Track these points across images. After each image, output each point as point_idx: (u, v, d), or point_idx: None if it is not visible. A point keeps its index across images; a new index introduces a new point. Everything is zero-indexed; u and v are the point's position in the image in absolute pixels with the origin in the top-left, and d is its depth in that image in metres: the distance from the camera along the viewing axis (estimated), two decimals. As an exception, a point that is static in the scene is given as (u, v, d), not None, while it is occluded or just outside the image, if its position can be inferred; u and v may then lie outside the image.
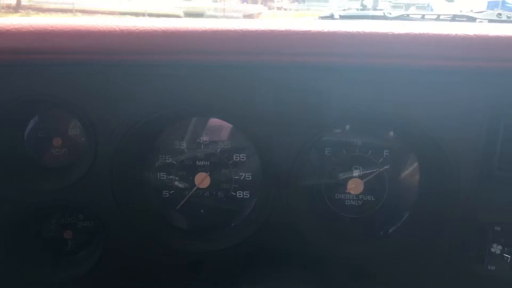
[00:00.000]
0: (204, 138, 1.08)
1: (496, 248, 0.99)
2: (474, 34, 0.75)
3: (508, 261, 0.98)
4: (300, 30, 0.78)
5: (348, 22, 0.84)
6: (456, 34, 0.75)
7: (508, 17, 1.27)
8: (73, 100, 0.92)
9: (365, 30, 0.80)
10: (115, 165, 0.96)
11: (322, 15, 1.45)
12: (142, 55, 0.81)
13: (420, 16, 1.35)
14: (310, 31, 0.78)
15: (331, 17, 1.35)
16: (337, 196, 1.09)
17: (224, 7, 17.95)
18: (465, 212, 0.95)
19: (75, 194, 0.99)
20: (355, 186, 1.07)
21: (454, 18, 1.29)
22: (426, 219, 1.01)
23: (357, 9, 1.96)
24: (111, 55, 0.82)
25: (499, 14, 1.26)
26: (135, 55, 0.81)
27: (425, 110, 0.89)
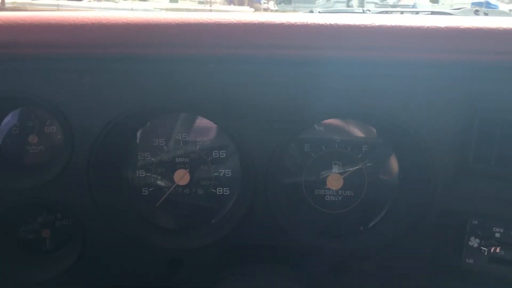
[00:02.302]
0: (183, 135, 1.07)
1: (474, 242, 1.00)
2: (445, 26, 0.75)
3: (486, 254, 0.99)
4: (275, 22, 0.78)
5: (327, 15, 0.84)
6: (428, 26, 0.76)
7: (485, 13, 1.28)
8: (48, 97, 0.91)
9: (340, 22, 0.80)
10: (92, 162, 0.95)
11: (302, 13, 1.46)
12: (114, 49, 0.80)
13: (400, 12, 1.35)
14: (284, 23, 0.77)
15: (311, 13, 1.35)
16: (317, 192, 1.09)
17: (210, 8, 17.92)
18: (442, 206, 0.96)
19: (52, 192, 0.98)
20: (334, 182, 1.07)
21: (432, 14, 1.30)
22: (405, 213, 1.01)
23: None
24: (83, 49, 0.80)
25: (477, 11, 1.27)
26: (107, 49, 0.80)
27: (401, 105, 0.90)
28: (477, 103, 0.90)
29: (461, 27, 0.76)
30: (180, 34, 0.78)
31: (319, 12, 1.31)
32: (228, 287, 0.97)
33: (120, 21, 0.77)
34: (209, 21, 0.78)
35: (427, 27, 0.76)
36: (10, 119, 1.05)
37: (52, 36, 0.78)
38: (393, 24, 0.77)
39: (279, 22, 0.78)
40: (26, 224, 1.11)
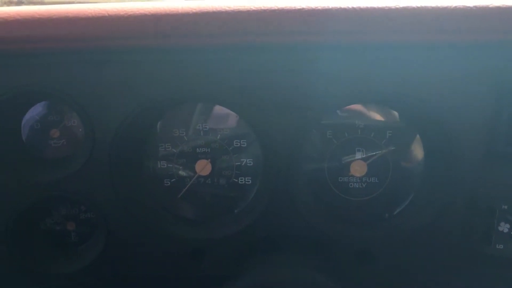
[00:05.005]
0: (204, 124, 1.07)
1: (504, 227, 0.98)
2: (474, 6, 0.72)
3: (516, 239, 0.97)
4: (295, 7, 0.76)
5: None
6: (456, 6, 0.73)
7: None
8: (67, 91, 0.91)
9: (362, 5, 0.77)
10: (113, 154, 0.95)
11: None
12: (133, 40, 0.79)
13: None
14: (304, 8, 0.75)
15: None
16: (341, 179, 1.08)
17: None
18: (470, 191, 0.94)
19: (74, 185, 0.98)
20: (358, 169, 1.05)
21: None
22: (432, 199, 0.99)
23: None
24: (102, 42, 0.80)
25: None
26: (126, 41, 0.79)
27: (428, 88, 0.87)
28: (506, 85, 0.87)
29: (490, 6, 0.72)
30: (197, 24, 0.77)
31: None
32: (251, 276, 0.96)
33: (137, 12, 0.76)
34: (228, 9, 0.76)
35: (455, 7, 0.73)
36: (31, 114, 1.06)
37: (69, 30, 0.78)
38: (418, 5, 0.74)
39: (299, 7, 0.76)
40: (51, 217, 1.12)
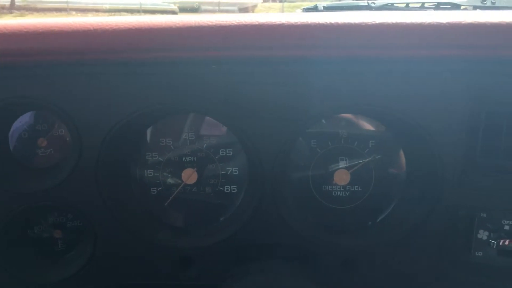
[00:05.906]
0: (190, 134, 1.08)
1: (483, 234, 0.99)
2: (447, 22, 0.75)
3: (495, 246, 0.99)
4: (279, 23, 0.78)
5: (330, 14, 0.83)
6: (430, 23, 0.75)
7: (492, 2, 1.26)
8: (55, 101, 0.92)
9: (345, 21, 0.79)
10: (100, 163, 0.96)
11: (306, 7, 1.45)
12: (118, 54, 0.81)
13: (405, 4, 1.34)
14: (286, 24, 0.77)
15: (315, 8, 1.34)
16: (324, 187, 1.09)
17: (219, 0, 17.84)
18: (450, 200, 0.95)
19: (62, 194, 0.99)
20: (342, 177, 1.07)
21: (439, 5, 1.28)
22: (413, 207, 1.01)
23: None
24: (88, 55, 0.81)
25: (483, 1, 1.25)
26: (112, 54, 0.81)
27: (408, 100, 0.89)
28: (483, 96, 0.89)
29: (463, 22, 0.75)
30: (182, 38, 0.79)
31: (324, 7, 1.31)
32: (236, 285, 0.97)
33: (122, 26, 0.78)
34: (210, 24, 0.78)
35: (429, 23, 0.75)
36: (19, 123, 1.06)
37: (55, 44, 0.79)
38: (394, 21, 0.77)
39: (279, 23, 0.78)
40: (38, 226, 1.13)
